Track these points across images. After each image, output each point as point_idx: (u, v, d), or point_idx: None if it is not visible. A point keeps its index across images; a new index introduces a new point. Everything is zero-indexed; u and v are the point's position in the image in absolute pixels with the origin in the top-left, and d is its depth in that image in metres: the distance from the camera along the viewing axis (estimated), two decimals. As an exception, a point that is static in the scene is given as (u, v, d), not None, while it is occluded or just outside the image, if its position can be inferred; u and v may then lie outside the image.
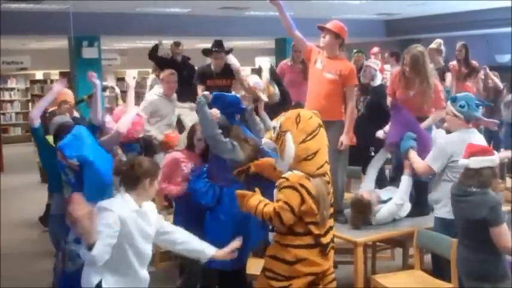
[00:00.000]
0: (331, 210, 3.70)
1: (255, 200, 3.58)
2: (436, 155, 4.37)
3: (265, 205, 3.53)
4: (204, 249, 3.49)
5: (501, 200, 4.56)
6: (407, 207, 4.96)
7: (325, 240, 3.54)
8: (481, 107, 4.56)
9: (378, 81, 6.16)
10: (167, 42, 8.30)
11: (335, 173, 4.96)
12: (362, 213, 4.73)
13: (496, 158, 3.75)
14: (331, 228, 3.68)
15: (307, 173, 3.49)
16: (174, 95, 6.69)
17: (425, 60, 5.03)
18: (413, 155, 4.60)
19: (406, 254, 5.10)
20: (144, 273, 3.35)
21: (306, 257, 3.49)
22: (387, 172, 6.31)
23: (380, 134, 5.59)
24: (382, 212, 4.78)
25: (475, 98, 4.54)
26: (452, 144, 4.29)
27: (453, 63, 8.22)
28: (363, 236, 4.59)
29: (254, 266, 4.42)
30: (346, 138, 4.90)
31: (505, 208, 5.48)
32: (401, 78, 5.11)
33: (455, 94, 4.96)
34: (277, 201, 3.51)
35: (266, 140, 3.70)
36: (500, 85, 8.23)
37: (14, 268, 6.10)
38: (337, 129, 4.88)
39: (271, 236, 3.68)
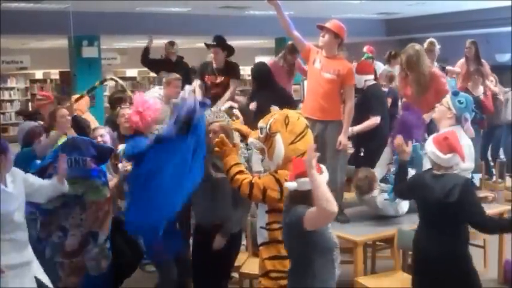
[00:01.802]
0: None
1: (234, 159, 3.66)
2: None
3: (241, 171, 3.62)
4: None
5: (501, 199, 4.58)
6: (407, 203, 4.96)
7: None
8: (473, 114, 4.54)
9: (360, 83, 6.02)
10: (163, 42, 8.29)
11: (334, 172, 4.96)
12: (368, 178, 4.79)
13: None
14: None
15: None
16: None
17: (419, 57, 5.27)
18: None
19: (405, 254, 5.10)
20: (27, 238, 3.69)
21: None
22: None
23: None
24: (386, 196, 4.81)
25: (473, 103, 4.53)
26: None
27: (461, 61, 8.24)
28: (362, 235, 4.60)
29: (252, 265, 4.44)
30: (344, 138, 4.90)
31: (505, 207, 5.50)
32: (402, 77, 5.39)
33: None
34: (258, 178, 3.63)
35: (253, 140, 3.71)
36: (497, 90, 8.17)
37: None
38: (335, 129, 4.89)
39: (264, 235, 3.67)
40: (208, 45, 6.56)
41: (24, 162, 4.57)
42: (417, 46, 5.36)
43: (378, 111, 5.64)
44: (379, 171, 5.21)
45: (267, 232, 3.63)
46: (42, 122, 5.56)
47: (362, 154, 5.89)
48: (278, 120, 3.62)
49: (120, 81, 6.98)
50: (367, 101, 5.66)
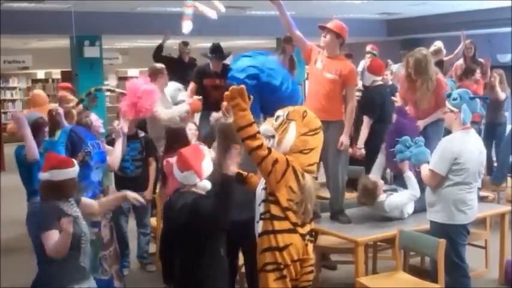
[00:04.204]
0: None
1: (246, 119, 3.50)
2: (440, 159, 4.23)
3: (258, 136, 3.50)
4: None
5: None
6: (412, 205, 4.96)
7: (301, 230, 3.59)
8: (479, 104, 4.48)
9: (368, 81, 6.07)
10: (173, 42, 8.30)
11: (336, 172, 4.97)
12: (368, 191, 4.79)
13: (74, 170, 3.40)
14: (309, 222, 3.69)
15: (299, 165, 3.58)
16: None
17: (427, 63, 5.24)
18: (424, 169, 4.43)
19: (407, 254, 5.10)
20: None
21: (290, 242, 3.55)
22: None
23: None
24: (396, 197, 4.83)
25: (470, 92, 4.48)
26: (456, 147, 4.21)
27: (459, 62, 8.26)
28: (364, 236, 4.60)
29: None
30: (346, 138, 4.90)
31: (507, 208, 5.51)
32: (407, 81, 5.33)
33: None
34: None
35: (266, 126, 3.73)
36: (502, 95, 8.14)
37: (14, 266, 6.10)
38: (337, 129, 4.88)
39: (259, 226, 3.67)
40: (207, 57, 6.63)
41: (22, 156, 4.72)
42: (425, 51, 5.35)
43: (375, 114, 5.72)
44: (375, 175, 5.21)
45: (261, 223, 3.62)
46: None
47: (363, 151, 5.90)
48: (297, 111, 3.70)
49: (109, 87, 7.17)
50: (371, 100, 5.70)
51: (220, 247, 3.54)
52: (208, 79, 6.56)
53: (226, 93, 3.50)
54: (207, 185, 3.43)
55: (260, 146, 3.48)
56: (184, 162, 3.44)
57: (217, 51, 6.59)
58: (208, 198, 3.41)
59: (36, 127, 4.98)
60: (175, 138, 4.80)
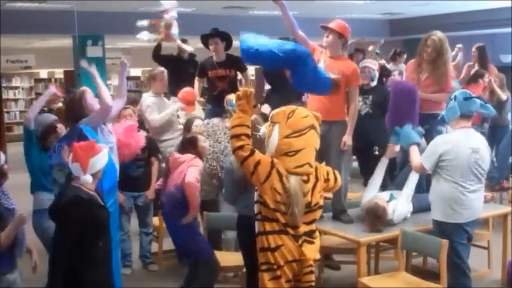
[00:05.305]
0: (317, 214, 3.74)
1: (242, 120, 3.63)
2: (427, 154, 4.34)
3: (243, 138, 3.59)
4: None
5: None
6: (410, 206, 4.96)
7: (293, 231, 3.58)
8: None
9: (376, 82, 6.13)
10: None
11: (338, 172, 4.95)
12: (379, 218, 4.70)
13: None
14: (307, 224, 3.66)
15: (284, 168, 3.57)
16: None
17: (444, 43, 5.36)
18: (413, 151, 4.58)
19: (409, 255, 5.10)
20: None
21: (282, 243, 3.56)
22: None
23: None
24: (400, 210, 4.83)
25: (468, 93, 4.44)
26: (444, 144, 4.25)
27: (467, 64, 8.29)
28: (366, 236, 4.59)
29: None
30: (348, 139, 4.88)
31: (508, 209, 5.50)
32: (417, 61, 5.42)
33: None
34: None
35: (263, 129, 3.77)
36: (504, 97, 8.12)
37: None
38: (339, 129, 4.87)
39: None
40: (206, 36, 6.52)
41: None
42: (440, 34, 5.42)
43: None
44: (377, 179, 5.18)
45: (256, 223, 3.66)
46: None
47: (377, 153, 5.89)
48: (282, 112, 3.67)
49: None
50: (385, 98, 5.82)
51: (94, 241, 3.59)
52: (212, 70, 6.51)
53: (238, 92, 3.68)
54: (88, 179, 3.59)
55: (241, 147, 3.57)
56: (74, 154, 3.60)
57: (215, 31, 6.49)
58: (85, 200, 3.56)
59: (47, 131, 4.95)
60: (188, 146, 4.92)
